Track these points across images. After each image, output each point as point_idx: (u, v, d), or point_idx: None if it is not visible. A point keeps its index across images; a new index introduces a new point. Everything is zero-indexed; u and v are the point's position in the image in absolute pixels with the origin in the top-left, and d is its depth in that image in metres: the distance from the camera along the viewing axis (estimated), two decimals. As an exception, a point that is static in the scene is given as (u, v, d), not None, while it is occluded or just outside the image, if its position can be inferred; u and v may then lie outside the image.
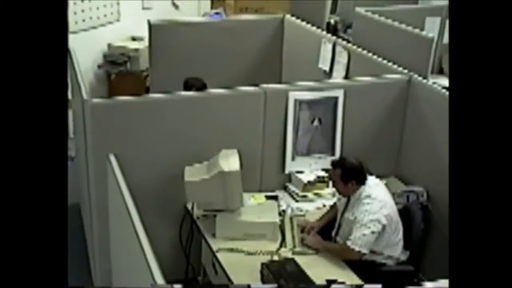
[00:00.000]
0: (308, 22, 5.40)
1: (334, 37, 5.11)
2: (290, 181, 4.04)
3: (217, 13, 7.55)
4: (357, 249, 3.24)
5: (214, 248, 3.37)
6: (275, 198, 3.82)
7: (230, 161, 3.35)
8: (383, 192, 3.42)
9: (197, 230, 3.58)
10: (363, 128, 4.13)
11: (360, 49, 4.66)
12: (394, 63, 4.28)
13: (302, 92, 3.90)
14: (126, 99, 3.61)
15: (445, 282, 2.04)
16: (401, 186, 4.03)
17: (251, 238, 3.41)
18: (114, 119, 3.46)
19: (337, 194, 3.58)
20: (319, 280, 3.03)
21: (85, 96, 3.46)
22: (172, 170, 3.54)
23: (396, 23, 4.79)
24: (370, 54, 4.54)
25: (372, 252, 3.32)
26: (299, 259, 3.23)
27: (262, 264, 3.13)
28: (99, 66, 6.87)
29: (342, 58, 4.78)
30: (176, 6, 7.58)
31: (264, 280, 3.07)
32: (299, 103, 3.89)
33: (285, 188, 4.03)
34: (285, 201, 3.88)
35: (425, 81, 4.08)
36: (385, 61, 4.36)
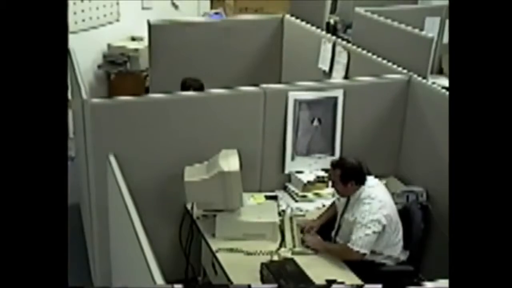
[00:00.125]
0: (307, 22, 5.40)
1: (333, 37, 5.11)
2: (289, 181, 4.04)
3: (217, 13, 7.55)
4: (357, 249, 3.24)
5: (214, 248, 3.37)
6: (274, 198, 3.82)
7: (230, 161, 3.35)
8: (383, 192, 3.42)
9: (197, 230, 3.58)
10: (363, 128, 4.13)
11: (359, 49, 4.66)
12: (393, 63, 4.28)
13: (302, 92, 3.90)
14: (125, 99, 3.61)
15: (445, 282, 2.04)
16: (401, 186, 4.03)
17: (251, 238, 3.41)
18: (114, 119, 3.46)
19: (336, 194, 3.58)
20: (318, 280, 3.03)
21: (84, 96, 3.46)
22: (172, 170, 3.54)
23: (395, 23, 4.79)
24: (369, 54, 4.54)
25: (372, 252, 3.32)
26: (298, 259, 3.23)
27: (262, 264, 3.13)
28: (99, 66, 6.87)
29: (341, 58, 4.78)
30: (175, 6, 7.58)
31: (264, 280, 3.07)
32: (299, 103, 3.89)
33: (284, 188, 4.03)
34: (284, 201, 3.89)
35: (424, 81, 4.08)
36: (384, 61, 4.36)
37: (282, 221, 3.61)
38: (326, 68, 4.96)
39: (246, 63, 5.65)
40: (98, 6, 6.68)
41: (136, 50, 6.77)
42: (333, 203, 3.65)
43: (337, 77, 4.77)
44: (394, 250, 3.42)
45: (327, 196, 3.92)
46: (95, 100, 3.47)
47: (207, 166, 3.45)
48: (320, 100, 3.96)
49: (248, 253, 3.33)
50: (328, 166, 3.60)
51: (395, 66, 4.25)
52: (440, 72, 6.04)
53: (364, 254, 3.26)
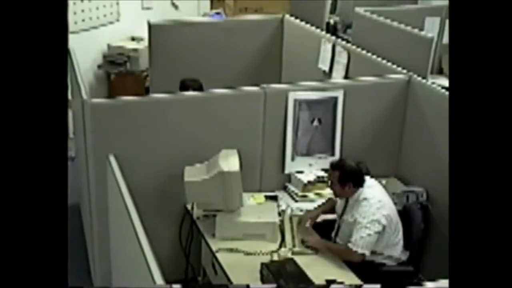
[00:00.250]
0: (307, 22, 5.40)
1: (333, 37, 5.11)
2: (289, 181, 4.04)
3: (217, 13, 7.55)
4: (356, 249, 3.24)
5: (214, 248, 3.37)
6: (274, 198, 3.82)
7: (230, 161, 3.35)
8: (381, 193, 3.42)
9: (197, 230, 3.58)
10: (363, 128, 4.13)
11: (359, 49, 4.66)
12: (393, 63, 4.28)
13: (302, 92, 3.90)
14: (125, 99, 3.61)
15: (445, 282, 2.04)
16: (401, 186, 4.03)
17: (251, 238, 3.41)
18: (114, 119, 3.46)
19: (333, 195, 3.57)
20: (318, 280, 3.03)
21: (84, 96, 3.46)
22: (172, 170, 3.54)
23: (395, 23, 4.79)
24: (369, 54, 4.54)
25: (372, 252, 3.32)
26: (298, 259, 3.23)
27: (262, 264, 3.13)
28: (99, 66, 6.86)
29: (341, 58, 4.78)
30: (175, 6, 7.57)
31: (263, 280, 3.07)
32: (299, 103, 3.89)
33: (284, 188, 4.03)
34: (284, 201, 3.88)
35: (424, 81, 4.08)
36: (384, 61, 4.36)
37: (282, 221, 3.60)
38: (326, 68, 4.96)
39: (246, 63, 5.65)
40: (98, 6, 6.68)
41: (136, 50, 6.77)
42: (330, 198, 3.66)
43: (337, 77, 4.77)
44: (394, 250, 3.42)
45: (327, 196, 3.91)
46: (95, 100, 3.47)
47: (207, 166, 3.45)
48: (320, 100, 3.96)
49: (248, 253, 3.33)
50: (328, 166, 3.60)
51: (395, 66, 4.25)
52: (440, 72, 6.04)
53: (365, 255, 3.26)
